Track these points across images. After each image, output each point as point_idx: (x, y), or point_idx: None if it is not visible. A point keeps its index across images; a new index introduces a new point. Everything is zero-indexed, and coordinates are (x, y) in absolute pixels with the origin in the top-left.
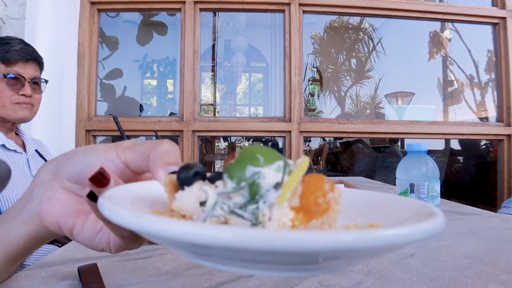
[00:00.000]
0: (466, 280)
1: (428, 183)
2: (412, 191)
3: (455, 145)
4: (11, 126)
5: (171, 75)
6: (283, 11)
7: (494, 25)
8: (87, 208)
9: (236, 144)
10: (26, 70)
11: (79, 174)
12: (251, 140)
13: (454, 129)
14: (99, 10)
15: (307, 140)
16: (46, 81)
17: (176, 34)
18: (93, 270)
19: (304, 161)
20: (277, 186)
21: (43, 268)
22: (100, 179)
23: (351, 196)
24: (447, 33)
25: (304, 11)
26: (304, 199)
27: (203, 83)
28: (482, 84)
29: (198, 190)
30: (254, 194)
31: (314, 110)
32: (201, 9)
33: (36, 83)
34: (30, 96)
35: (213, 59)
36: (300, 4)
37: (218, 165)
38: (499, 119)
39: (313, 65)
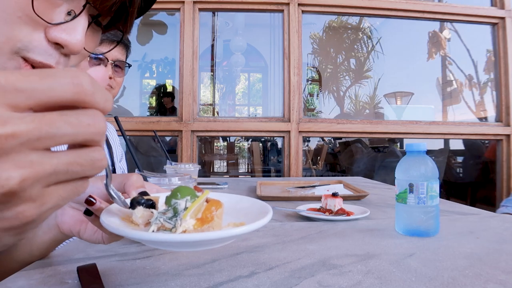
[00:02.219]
0: (465, 280)
1: (427, 183)
2: (411, 191)
3: (454, 145)
4: None
5: (170, 75)
6: (282, 11)
7: (493, 25)
8: (86, 218)
9: (235, 144)
10: (111, 52)
11: (80, 198)
12: (250, 140)
13: (453, 129)
14: None
15: (306, 140)
16: (129, 65)
17: (175, 34)
18: (92, 270)
19: (203, 195)
20: (185, 209)
21: (43, 268)
22: (90, 201)
23: (232, 200)
24: (446, 33)
25: (303, 11)
26: (203, 214)
27: (202, 83)
28: (481, 84)
29: (142, 212)
30: (175, 212)
31: (313, 110)
32: (200, 9)
33: (118, 66)
34: (110, 78)
35: (212, 59)
36: (299, 4)
37: (217, 165)
38: (498, 119)
39: (312, 65)
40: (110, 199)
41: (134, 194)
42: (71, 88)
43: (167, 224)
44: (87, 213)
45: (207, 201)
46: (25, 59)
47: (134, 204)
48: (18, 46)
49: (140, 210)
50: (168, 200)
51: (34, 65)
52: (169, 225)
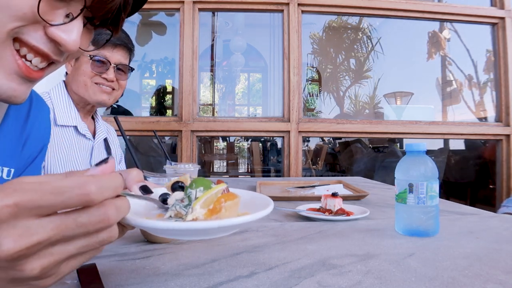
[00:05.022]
0: (465, 280)
1: (427, 183)
2: (411, 191)
3: (454, 145)
4: (90, 109)
5: (170, 75)
6: (282, 11)
7: (493, 25)
8: None
9: (235, 144)
10: (113, 55)
11: None
12: (250, 140)
13: (453, 129)
14: None
15: (306, 140)
16: (132, 69)
17: (175, 34)
18: (92, 270)
19: (216, 186)
20: (196, 198)
21: None
22: None
23: (245, 195)
24: (446, 33)
25: (303, 11)
26: (214, 204)
27: (202, 83)
28: (481, 84)
29: (180, 195)
30: (190, 201)
31: (313, 110)
32: (200, 9)
33: (121, 69)
34: (113, 81)
35: (212, 59)
36: (299, 4)
37: (217, 165)
38: (498, 119)
39: (312, 65)
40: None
41: (135, 188)
42: (80, 199)
43: (182, 211)
44: None
45: (225, 194)
46: (19, 41)
47: (176, 187)
48: (15, 31)
49: (179, 194)
50: (186, 189)
51: (27, 50)
52: (184, 212)
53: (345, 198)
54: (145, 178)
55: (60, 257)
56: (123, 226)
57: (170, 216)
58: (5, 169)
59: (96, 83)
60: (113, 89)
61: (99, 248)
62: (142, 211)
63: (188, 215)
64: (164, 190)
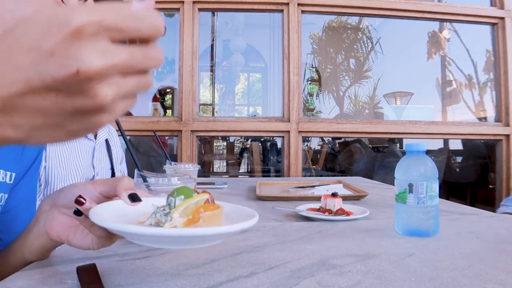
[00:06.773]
0: (465, 280)
1: (427, 183)
2: (410, 191)
3: (454, 145)
4: None
5: (169, 75)
6: (281, 11)
7: (493, 25)
8: (75, 223)
9: (235, 144)
10: None
11: (69, 202)
12: (250, 140)
13: (453, 129)
14: None
15: (305, 140)
16: None
17: (175, 34)
18: (91, 270)
19: (197, 196)
20: (175, 207)
21: (42, 268)
22: (79, 201)
23: (230, 207)
24: (445, 33)
25: (302, 11)
26: (192, 214)
27: (201, 83)
28: (481, 84)
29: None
30: (170, 209)
31: (312, 110)
32: (200, 9)
33: None
34: None
35: (212, 59)
36: (298, 4)
37: (217, 165)
38: (498, 119)
39: (312, 65)
40: (100, 202)
41: (124, 196)
42: (153, 30)
43: (162, 219)
44: (77, 213)
45: (205, 204)
46: None
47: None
48: None
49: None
50: (167, 197)
51: None
52: (164, 220)
53: (345, 198)
54: (144, 178)
55: (123, 89)
56: (111, 234)
57: (150, 224)
58: (8, 173)
59: None
60: None
61: (137, 95)
62: (123, 217)
63: (166, 223)
64: (154, 199)
